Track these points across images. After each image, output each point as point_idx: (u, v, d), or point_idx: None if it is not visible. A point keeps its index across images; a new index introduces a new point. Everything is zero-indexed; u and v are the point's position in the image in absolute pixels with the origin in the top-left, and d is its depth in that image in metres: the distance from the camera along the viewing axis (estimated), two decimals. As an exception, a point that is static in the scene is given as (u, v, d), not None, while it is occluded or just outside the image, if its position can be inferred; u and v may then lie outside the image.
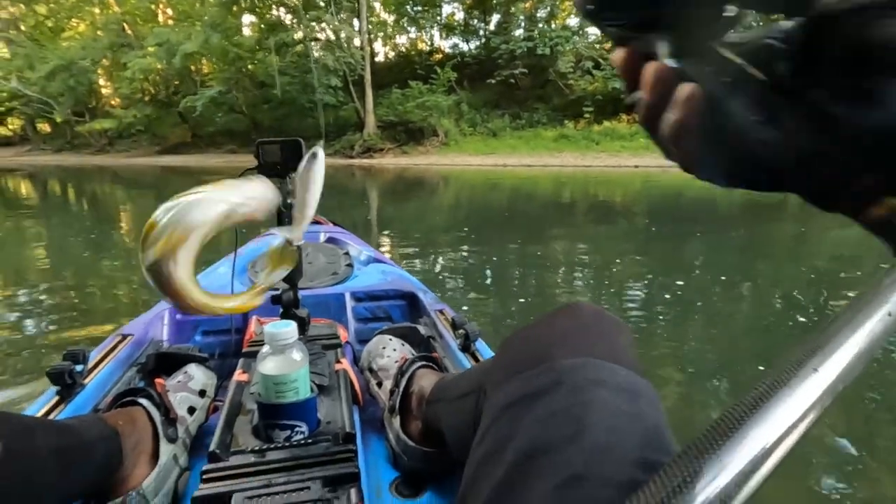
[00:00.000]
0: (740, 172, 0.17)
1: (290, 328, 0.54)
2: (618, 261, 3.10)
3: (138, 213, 5.49)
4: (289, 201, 0.65)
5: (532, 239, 3.76)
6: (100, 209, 6.02)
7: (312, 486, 0.45)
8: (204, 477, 0.47)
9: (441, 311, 0.90)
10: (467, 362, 0.70)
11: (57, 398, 0.60)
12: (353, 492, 0.44)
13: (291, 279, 0.70)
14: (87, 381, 0.64)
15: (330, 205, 6.19)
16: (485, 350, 0.74)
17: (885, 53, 0.13)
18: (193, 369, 0.69)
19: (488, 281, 2.62)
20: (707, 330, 1.94)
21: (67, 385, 0.61)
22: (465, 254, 3.14)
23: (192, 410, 0.63)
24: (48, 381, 0.60)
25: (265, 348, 0.54)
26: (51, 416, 0.57)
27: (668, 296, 2.31)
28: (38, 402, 0.60)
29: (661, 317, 2.09)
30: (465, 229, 4.10)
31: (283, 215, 0.65)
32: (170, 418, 0.55)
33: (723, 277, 2.66)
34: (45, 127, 21.13)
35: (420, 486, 0.57)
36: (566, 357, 0.30)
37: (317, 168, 0.56)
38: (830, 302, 2.25)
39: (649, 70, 0.18)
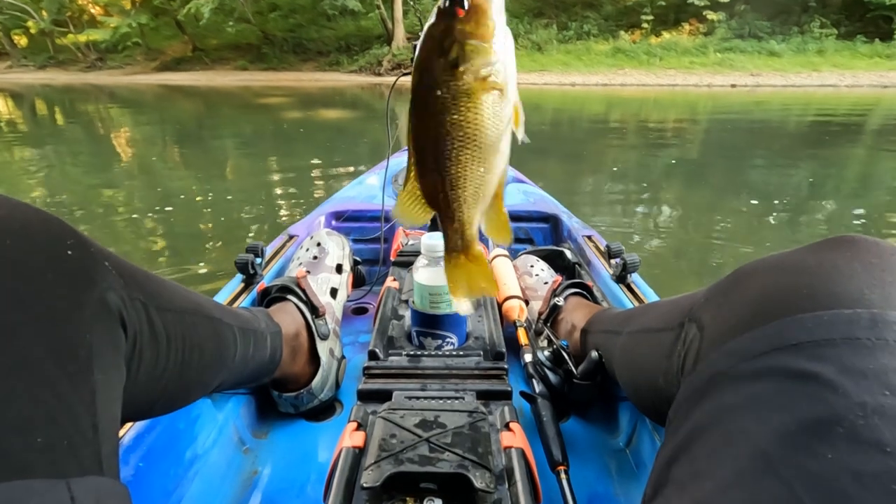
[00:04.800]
0: None
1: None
2: (649, 195, 3.11)
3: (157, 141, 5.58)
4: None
5: (567, 166, 3.82)
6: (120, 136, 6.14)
7: (466, 396, 0.51)
8: (367, 373, 0.56)
9: (589, 238, 0.93)
10: (622, 294, 0.73)
11: (242, 285, 0.73)
12: (506, 409, 0.50)
13: None
14: (264, 272, 0.78)
15: (355, 129, 6.18)
16: (641, 284, 0.75)
17: None
18: (325, 239, 0.79)
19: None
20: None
21: (250, 274, 0.73)
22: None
23: (334, 293, 0.73)
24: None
25: (421, 259, 0.60)
26: (237, 301, 0.70)
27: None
28: (227, 287, 0.73)
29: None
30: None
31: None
32: (319, 314, 0.64)
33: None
34: (21, 40, 20.69)
35: (562, 412, 0.62)
36: (852, 304, 0.24)
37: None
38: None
39: None
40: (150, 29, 17.87)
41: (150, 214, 2.70)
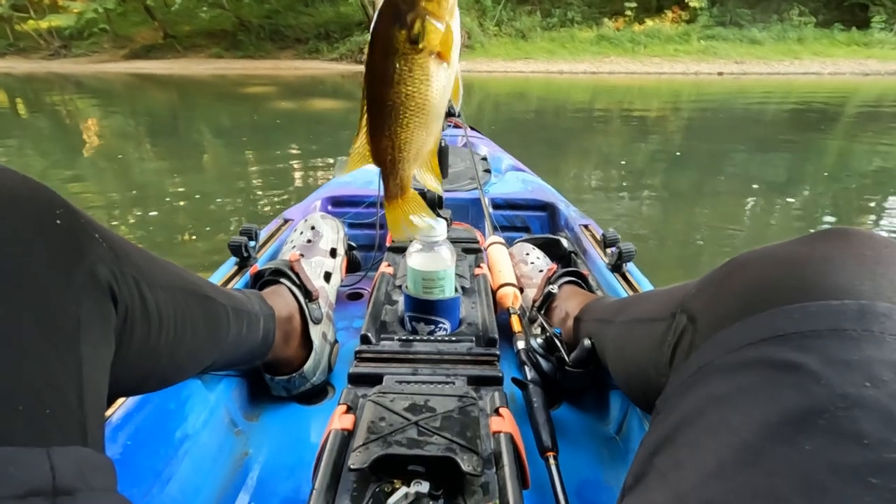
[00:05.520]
0: None
1: (440, 226, 0.60)
2: (634, 182, 3.19)
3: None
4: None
5: (551, 155, 3.89)
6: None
7: (457, 381, 0.52)
8: (358, 356, 0.57)
9: (586, 227, 0.94)
10: (617, 284, 0.74)
11: (235, 268, 0.74)
12: (496, 394, 0.51)
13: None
14: (258, 255, 0.79)
15: (336, 119, 6.11)
16: (636, 272, 0.76)
17: None
18: (319, 222, 0.79)
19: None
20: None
21: (244, 258, 0.74)
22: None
23: (328, 276, 0.73)
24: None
25: (415, 244, 0.61)
26: (230, 283, 0.71)
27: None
28: (220, 270, 0.73)
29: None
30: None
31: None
32: (312, 298, 0.65)
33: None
34: (-26, 26, 19.73)
35: (554, 399, 0.64)
36: (841, 295, 0.24)
37: None
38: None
39: None
40: (117, 14, 17.21)
41: (122, 212, 2.64)
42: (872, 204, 2.81)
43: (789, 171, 3.50)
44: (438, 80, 0.34)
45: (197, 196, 2.88)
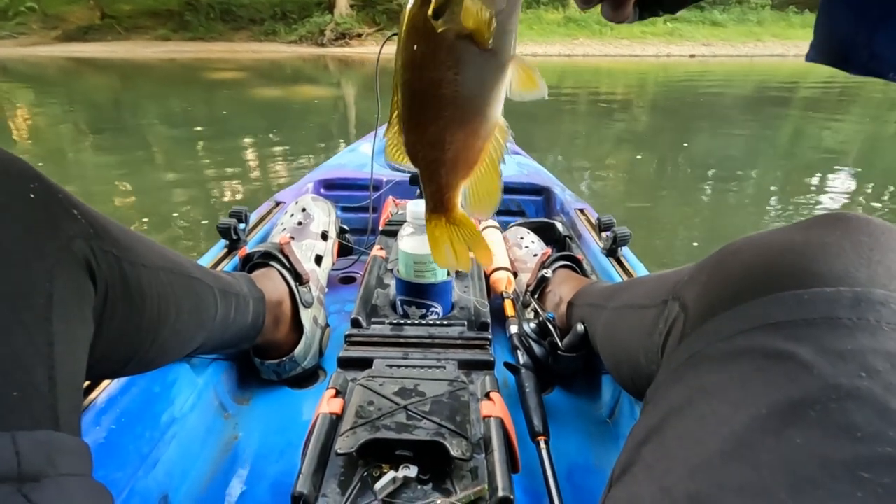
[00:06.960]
0: None
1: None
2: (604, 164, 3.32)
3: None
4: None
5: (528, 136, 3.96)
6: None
7: (448, 366, 0.52)
8: (348, 340, 0.57)
9: (581, 211, 0.95)
10: (612, 268, 0.75)
11: (225, 251, 0.73)
12: (487, 379, 0.51)
13: None
14: (248, 238, 0.78)
15: (298, 107, 5.94)
16: (631, 257, 0.76)
17: None
18: (310, 205, 0.78)
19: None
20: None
21: (233, 240, 0.73)
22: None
23: (319, 260, 0.73)
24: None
25: (407, 227, 0.60)
26: (219, 267, 0.70)
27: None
28: (209, 253, 0.72)
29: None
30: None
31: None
32: (302, 281, 0.64)
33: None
34: None
35: (546, 384, 0.64)
36: (836, 283, 0.24)
37: None
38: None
39: None
40: (46, -8, 16.16)
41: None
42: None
43: (758, 146, 3.67)
44: (469, 67, 0.28)
45: (135, 189, 2.74)
